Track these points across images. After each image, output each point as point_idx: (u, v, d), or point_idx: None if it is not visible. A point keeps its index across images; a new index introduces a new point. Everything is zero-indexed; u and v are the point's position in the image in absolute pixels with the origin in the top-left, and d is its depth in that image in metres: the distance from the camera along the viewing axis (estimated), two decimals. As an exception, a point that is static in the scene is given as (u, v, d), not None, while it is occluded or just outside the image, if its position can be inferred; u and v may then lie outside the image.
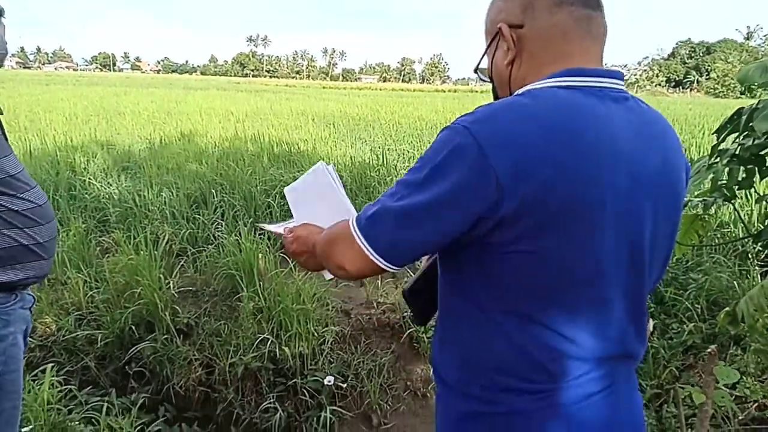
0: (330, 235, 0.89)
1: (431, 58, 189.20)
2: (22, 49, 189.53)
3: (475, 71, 1.01)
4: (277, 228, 1.14)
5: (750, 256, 3.32)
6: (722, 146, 1.93)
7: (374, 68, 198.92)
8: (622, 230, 0.76)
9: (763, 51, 64.86)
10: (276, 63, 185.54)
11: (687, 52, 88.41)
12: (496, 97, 0.94)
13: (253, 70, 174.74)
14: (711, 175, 2.21)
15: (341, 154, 6.93)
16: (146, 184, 4.81)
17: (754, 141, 1.75)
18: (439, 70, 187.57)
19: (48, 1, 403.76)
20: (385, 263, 0.77)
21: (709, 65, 74.68)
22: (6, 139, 1.41)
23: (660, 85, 73.56)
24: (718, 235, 3.68)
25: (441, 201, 0.73)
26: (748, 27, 74.64)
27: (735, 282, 2.96)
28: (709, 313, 2.81)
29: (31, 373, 2.27)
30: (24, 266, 1.36)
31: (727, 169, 2.02)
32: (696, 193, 2.23)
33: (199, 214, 4.20)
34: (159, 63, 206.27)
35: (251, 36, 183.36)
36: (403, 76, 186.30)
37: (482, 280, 0.79)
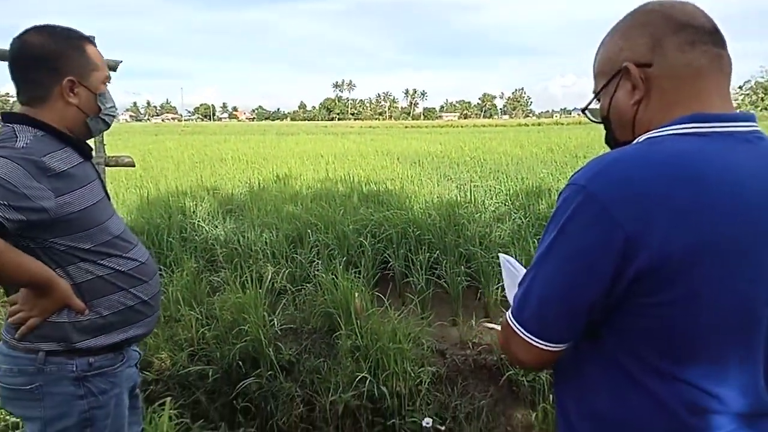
0: (501, 330, 0.89)
1: (513, 93, 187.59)
2: (135, 104, 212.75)
3: (583, 112, 1.00)
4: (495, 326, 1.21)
5: None
6: None
7: (455, 105, 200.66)
8: (757, 277, 0.71)
9: None
10: (360, 106, 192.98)
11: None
12: (609, 139, 0.92)
13: (338, 114, 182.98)
14: None
15: (428, 192, 6.99)
16: (249, 226, 5.13)
17: None
18: (521, 104, 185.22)
19: (152, 61, 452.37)
20: (546, 344, 0.78)
21: (825, 86, 67.37)
22: (109, 199, 1.45)
23: (766, 109, 67.43)
24: None
25: (573, 267, 0.73)
26: None
27: None
28: None
29: (150, 406, 2.45)
30: (130, 327, 1.38)
31: None
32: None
33: (297, 254, 4.40)
34: (254, 111, 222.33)
35: (337, 82, 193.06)
36: (484, 111, 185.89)
37: (621, 340, 0.77)
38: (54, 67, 1.25)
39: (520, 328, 0.80)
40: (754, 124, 0.77)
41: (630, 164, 0.72)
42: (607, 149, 0.89)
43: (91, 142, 1.44)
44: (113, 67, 2.71)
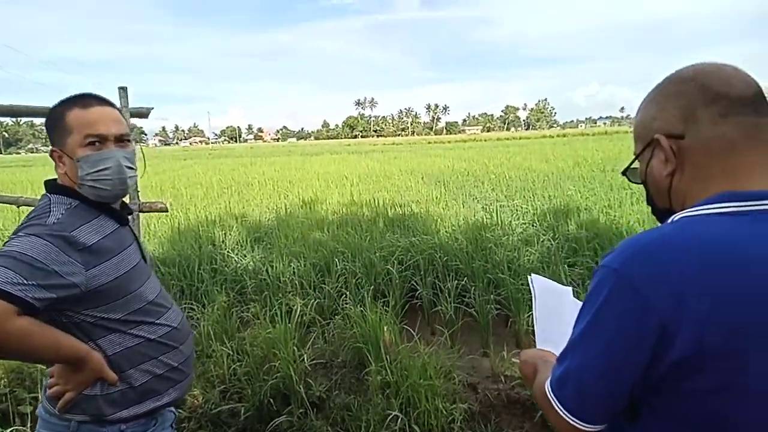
0: (538, 389, 0.88)
1: (537, 104, 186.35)
2: (164, 128, 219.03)
3: (624, 174, 0.99)
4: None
5: None
6: None
7: (477, 119, 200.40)
8: None
9: None
10: (382, 122, 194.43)
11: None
12: (650, 203, 0.91)
13: (361, 131, 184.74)
14: None
15: (453, 214, 6.96)
16: (277, 255, 5.18)
17: None
18: (545, 115, 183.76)
19: (180, 86, 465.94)
20: (584, 424, 0.77)
21: None
22: (146, 261, 1.43)
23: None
24: None
25: (610, 351, 0.72)
26: None
27: None
28: None
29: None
30: (162, 395, 1.36)
31: None
32: None
33: (325, 283, 4.42)
34: (278, 132, 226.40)
35: (359, 99, 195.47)
36: (507, 124, 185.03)
37: (660, 425, 0.75)
38: (49, 139, 1.33)
39: (558, 405, 0.79)
40: None
41: (664, 248, 0.70)
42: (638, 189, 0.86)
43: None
44: (145, 114, 2.80)
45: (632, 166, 0.93)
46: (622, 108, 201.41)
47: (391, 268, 4.55)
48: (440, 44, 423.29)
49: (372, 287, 4.32)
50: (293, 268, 4.77)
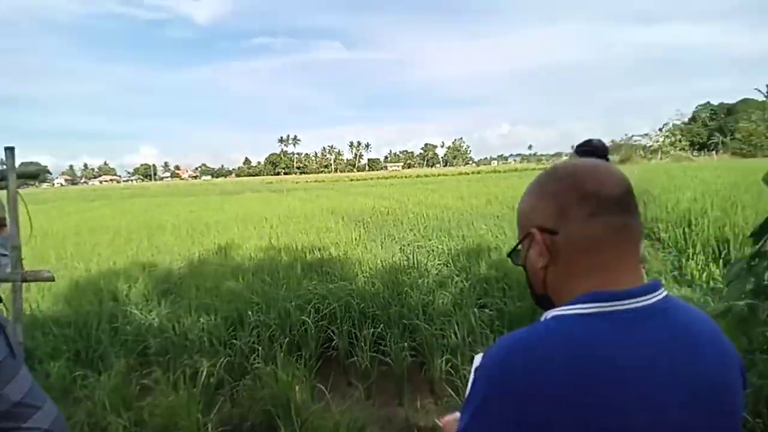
0: None
1: (453, 142, 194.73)
2: (71, 167, 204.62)
3: (509, 256, 1.01)
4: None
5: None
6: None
7: (398, 156, 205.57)
8: None
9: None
10: (305, 160, 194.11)
11: (708, 114, 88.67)
12: (529, 287, 0.92)
13: (284, 168, 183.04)
14: (752, 279, 2.17)
15: (371, 258, 7.00)
16: (186, 309, 4.92)
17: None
18: (461, 153, 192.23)
19: (90, 122, 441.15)
20: None
21: (732, 126, 74.50)
22: (14, 356, 1.30)
23: (684, 149, 73.33)
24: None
25: None
26: None
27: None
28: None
29: None
30: None
31: (768, 272, 1.99)
32: (742, 296, 2.18)
33: (237, 338, 4.24)
34: (197, 169, 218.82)
35: (282, 137, 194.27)
36: (427, 161, 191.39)
37: None
38: None
39: None
40: (657, 293, 0.77)
41: (533, 354, 0.72)
42: None
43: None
44: (34, 174, 2.60)
45: (516, 249, 0.93)
46: (530, 146, 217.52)
47: (306, 319, 4.46)
48: (361, 84, 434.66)
49: (287, 339, 4.20)
50: (202, 323, 4.55)
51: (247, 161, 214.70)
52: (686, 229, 7.62)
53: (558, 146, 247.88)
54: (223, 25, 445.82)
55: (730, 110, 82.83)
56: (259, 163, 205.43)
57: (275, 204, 20.38)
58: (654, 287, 0.77)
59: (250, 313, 4.67)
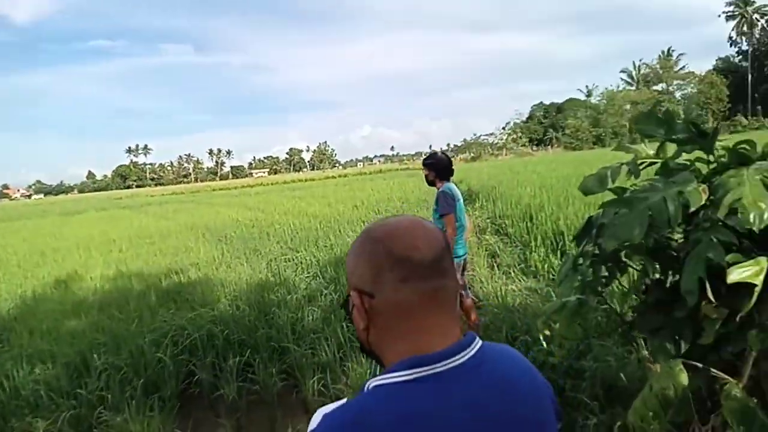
0: None
1: (318, 146, 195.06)
2: None
3: (341, 308, 1.00)
4: None
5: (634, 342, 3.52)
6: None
7: (263, 161, 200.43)
8: None
9: (603, 106, 75.34)
10: (160, 170, 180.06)
11: (542, 113, 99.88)
12: (358, 339, 0.91)
13: (136, 181, 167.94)
14: (579, 276, 2.46)
15: (235, 277, 6.71)
16: (16, 360, 4.27)
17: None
18: (327, 156, 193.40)
19: None
20: None
21: (562, 122, 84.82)
22: None
23: (524, 145, 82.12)
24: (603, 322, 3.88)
25: None
26: (587, 86, 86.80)
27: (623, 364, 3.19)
28: (607, 402, 2.97)
29: None
30: None
31: (590, 270, 2.30)
32: (573, 291, 2.45)
33: (81, 386, 3.78)
34: (30, 187, 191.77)
35: (130, 147, 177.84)
36: (293, 165, 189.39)
37: None
38: None
39: None
40: (470, 349, 0.80)
41: (364, 429, 0.72)
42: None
43: None
44: None
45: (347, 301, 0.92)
46: (392, 147, 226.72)
47: (163, 356, 4.12)
48: (217, 89, 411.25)
49: (141, 381, 3.84)
50: (37, 373, 3.99)
51: (91, 175, 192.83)
52: (528, 224, 8.47)
53: (418, 146, 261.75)
54: (50, 27, 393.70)
55: (559, 108, 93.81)
56: (105, 176, 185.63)
57: (125, 223, 18.59)
58: (468, 343, 0.80)
59: (96, 355, 4.19)
